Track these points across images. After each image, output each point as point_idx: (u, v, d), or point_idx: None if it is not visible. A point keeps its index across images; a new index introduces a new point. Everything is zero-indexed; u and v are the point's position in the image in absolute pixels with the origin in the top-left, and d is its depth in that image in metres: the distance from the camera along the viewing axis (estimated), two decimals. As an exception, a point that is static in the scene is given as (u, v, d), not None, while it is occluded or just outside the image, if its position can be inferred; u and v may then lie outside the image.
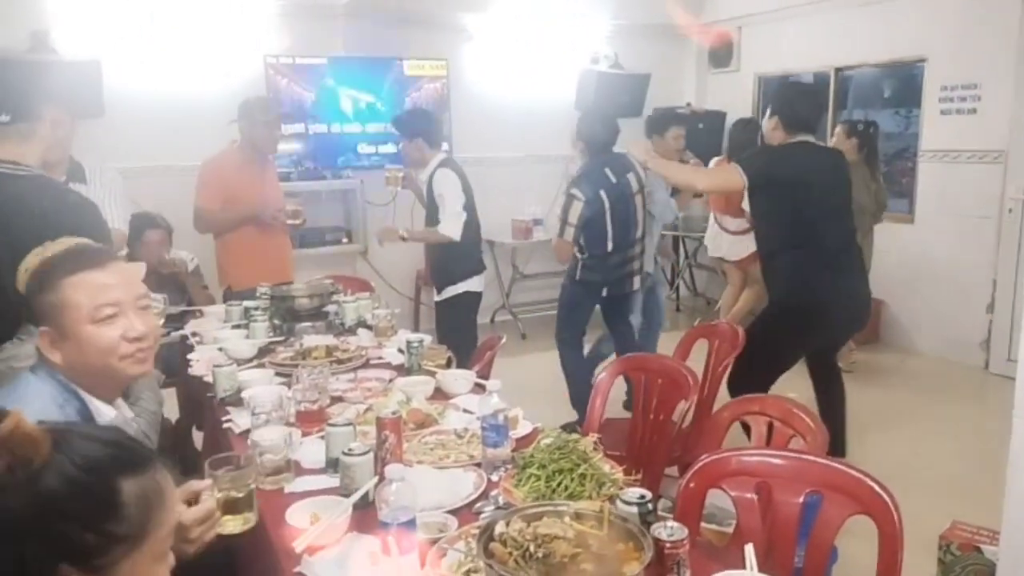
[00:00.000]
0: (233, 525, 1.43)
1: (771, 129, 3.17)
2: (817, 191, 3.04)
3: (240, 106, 3.59)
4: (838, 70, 5.82)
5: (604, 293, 3.83)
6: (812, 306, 3.06)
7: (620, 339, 3.95)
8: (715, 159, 5.18)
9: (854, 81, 6.05)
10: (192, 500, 1.34)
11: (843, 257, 3.13)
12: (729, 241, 5.20)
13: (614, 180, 3.68)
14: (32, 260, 1.93)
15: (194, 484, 1.37)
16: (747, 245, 5.06)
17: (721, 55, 6.61)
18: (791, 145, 3.11)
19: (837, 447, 3.26)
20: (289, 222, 3.63)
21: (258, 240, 3.55)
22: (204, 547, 1.32)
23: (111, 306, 1.47)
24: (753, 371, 3.16)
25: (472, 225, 3.74)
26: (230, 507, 1.42)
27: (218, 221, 3.54)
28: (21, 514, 0.83)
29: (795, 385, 3.16)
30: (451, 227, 3.62)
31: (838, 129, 4.87)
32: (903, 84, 5.79)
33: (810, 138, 3.15)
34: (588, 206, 3.63)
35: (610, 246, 3.71)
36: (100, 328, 1.46)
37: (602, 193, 3.64)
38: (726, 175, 3.28)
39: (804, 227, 3.05)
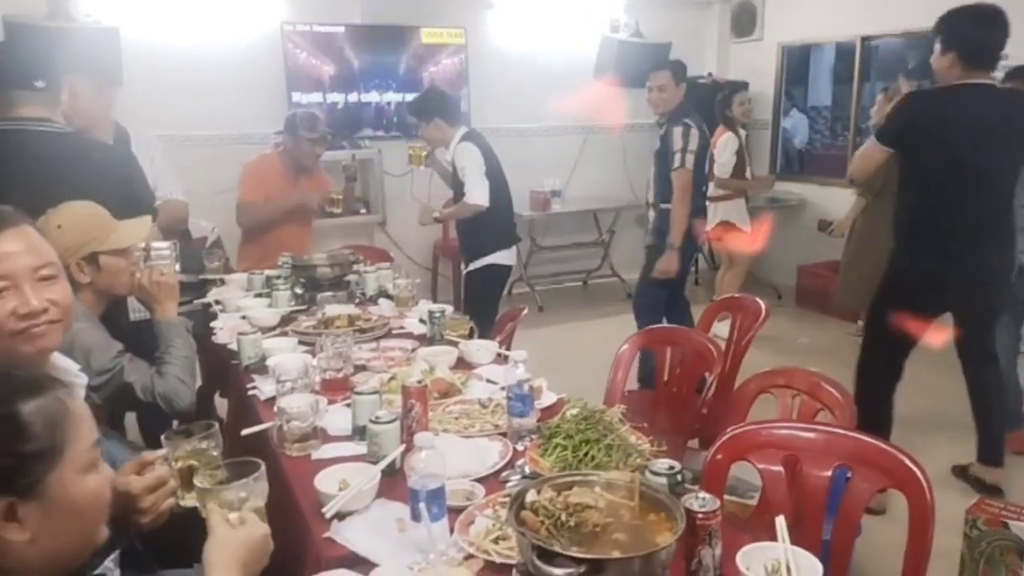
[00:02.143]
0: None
1: (946, 67, 2.69)
2: (962, 145, 2.63)
3: (287, 119, 3.65)
4: (864, 39, 5.69)
5: (701, 242, 3.79)
6: (918, 274, 2.78)
7: (683, 308, 3.88)
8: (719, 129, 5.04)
9: (878, 51, 5.93)
10: (144, 471, 1.29)
11: (978, 226, 2.73)
12: None
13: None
14: None
15: (145, 455, 1.33)
16: (715, 214, 4.94)
17: (744, 23, 6.48)
18: (948, 89, 2.69)
19: (986, 452, 2.98)
20: (328, 209, 3.67)
21: (284, 230, 3.57)
22: (161, 518, 1.29)
23: (1, 279, 1.35)
24: (870, 344, 2.99)
25: (501, 197, 3.68)
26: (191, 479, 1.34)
27: (262, 213, 3.55)
28: None
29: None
30: (477, 195, 3.55)
31: (880, 96, 4.47)
32: (929, 55, 5.65)
33: (984, 79, 2.68)
34: (701, 135, 3.60)
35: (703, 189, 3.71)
36: None
37: (703, 127, 3.62)
38: (867, 152, 2.86)
39: (933, 185, 2.71)
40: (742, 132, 5.12)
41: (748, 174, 5.15)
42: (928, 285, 2.80)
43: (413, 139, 4.15)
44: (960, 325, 2.97)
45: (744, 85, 5.17)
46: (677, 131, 3.59)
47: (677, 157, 3.59)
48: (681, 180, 3.61)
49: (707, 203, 4.88)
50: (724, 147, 4.97)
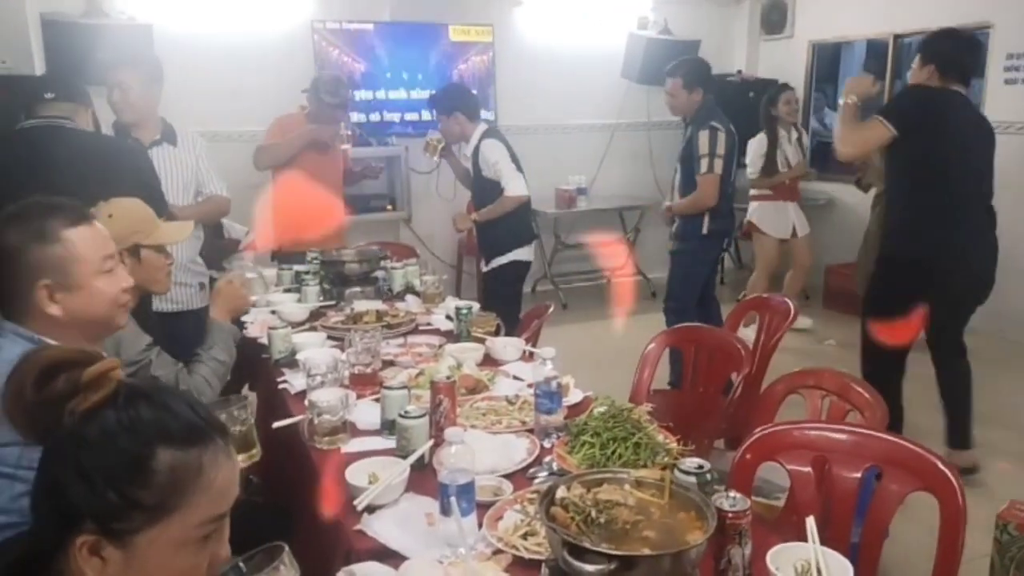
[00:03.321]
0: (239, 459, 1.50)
1: (924, 79, 2.96)
2: (958, 143, 2.86)
3: (312, 80, 3.71)
4: (897, 37, 5.60)
5: (725, 245, 3.75)
6: (919, 261, 2.89)
7: (712, 308, 3.86)
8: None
9: (912, 49, 5.82)
10: None
11: (970, 218, 2.94)
12: None
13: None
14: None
15: None
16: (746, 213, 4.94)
17: (774, 21, 6.42)
18: (944, 90, 2.91)
19: (956, 438, 3.09)
20: (343, 147, 3.72)
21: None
22: None
23: (111, 259, 1.50)
24: (869, 335, 3.02)
25: None
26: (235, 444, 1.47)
27: (277, 150, 3.63)
28: (63, 454, 0.86)
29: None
30: (517, 186, 3.54)
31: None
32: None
33: (962, 90, 2.98)
34: (728, 136, 3.56)
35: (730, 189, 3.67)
36: (106, 279, 1.48)
37: (731, 127, 3.59)
38: (869, 132, 2.94)
39: (934, 176, 2.86)
40: (782, 132, 5.03)
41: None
42: (936, 272, 2.91)
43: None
44: (942, 316, 3.03)
45: (781, 84, 5.15)
46: (703, 135, 3.51)
47: (704, 162, 3.51)
48: (707, 186, 3.54)
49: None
50: (752, 148, 4.99)
